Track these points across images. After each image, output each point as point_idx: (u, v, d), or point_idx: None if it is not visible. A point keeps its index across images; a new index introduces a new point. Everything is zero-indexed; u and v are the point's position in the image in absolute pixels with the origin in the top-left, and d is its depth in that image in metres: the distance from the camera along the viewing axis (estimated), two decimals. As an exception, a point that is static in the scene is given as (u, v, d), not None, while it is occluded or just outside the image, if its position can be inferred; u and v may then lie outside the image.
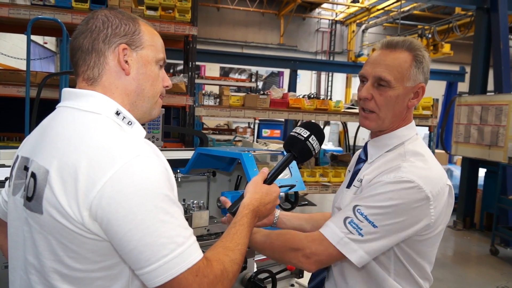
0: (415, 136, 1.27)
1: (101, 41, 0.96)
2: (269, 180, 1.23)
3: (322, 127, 5.68)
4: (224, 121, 12.81)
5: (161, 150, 2.37)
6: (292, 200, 2.30)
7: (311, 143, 1.23)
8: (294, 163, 2.07)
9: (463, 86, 11.18)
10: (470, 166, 6.41)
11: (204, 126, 11.38)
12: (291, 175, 2.01)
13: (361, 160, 1.34)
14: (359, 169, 1.32)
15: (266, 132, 12.73)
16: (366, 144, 1.34)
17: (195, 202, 1.80)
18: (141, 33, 0.99)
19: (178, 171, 2.15)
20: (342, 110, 4.51)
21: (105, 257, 0.87)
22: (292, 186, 1.94)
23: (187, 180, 2.35)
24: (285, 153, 1.32)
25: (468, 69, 11.06)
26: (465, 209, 6.47)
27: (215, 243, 0.98)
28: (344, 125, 5.87)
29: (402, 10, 12.65)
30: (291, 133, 1.26)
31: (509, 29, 5.91)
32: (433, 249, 1.24)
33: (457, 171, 7.44)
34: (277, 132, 12.78)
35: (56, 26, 3.20)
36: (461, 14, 10.07)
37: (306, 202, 2.34)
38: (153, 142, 1.84)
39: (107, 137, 0.87)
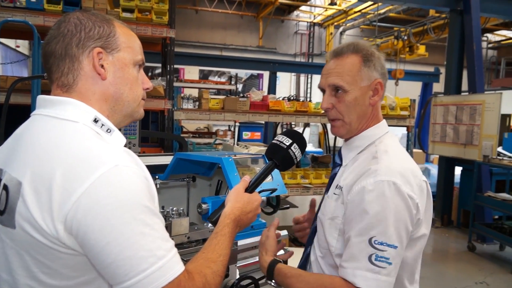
0: (386, 134, 1.28)
1: (74, 45, 0.91)
2: (250, 188, 1.21)
3: (302, 129, 5.66)
4: (204, 124, 12.71)
5: (139, 156, 2.32)
6: (274, 204, 2.29)
7: (293, 151, 1.22)
8: (275, 166, 2.07)
9: (438, 87, 11.45)
10: (446, 164, 6.55)
11: (184, 129, 11.29)
12: (272, 178, 1.99)
13: (337, 165, 1.35)
14: (335, 174, 1.33)
15: (246, 135, 12.71)
16: (340, 149, 1.36)
17: (174, 209, 1.75)
18: (116, 35, 0.95)
19: (157, 177, 2.10)
20: (322, 112, 4.52)
21: (82, 272, 0.83)
22: (273, 190, 1.92)
23: (166, 186, 2.29)
24: (265, 156, 1.28)
25: (442, 70, 11.35)
26: (442, 207, 6.60)
27: (196, 255, 0.95)
28: (324, 127, 5.91)
29: (378, 12, 12.87)
30: (273, 141, 1.26)
31: (481, 31, 6.08)
32: (420, 251, 1.24)
33: (434, 169, 7.60)
34: (257, 135, 12.78)
35: (28, 29, 3.10)
36: (435, 17, 10.32)
37: (288, 206, 2.32)
38: (129, 148, 1.79)
39: (84, 146, 0.83)
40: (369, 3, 12.45)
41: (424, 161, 9.19)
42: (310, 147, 13.41)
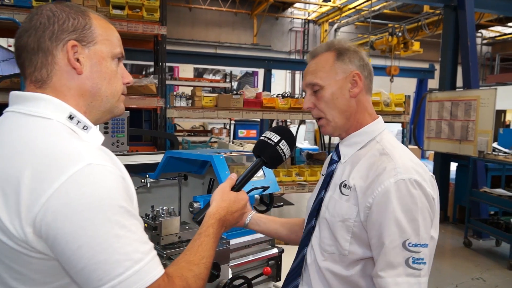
0: (384, 131, 1.26)
1: (48, 38, 0.86)
2: (237, 187, 1.18)
3: (297, 126, 5.61)
4: (200, 123, 12.66)
5: (129, 155, 2.27)
6: (268, 202, 2.25)
7: (281, 148, 1.20)
8: (267, 163, 2.03)
9: (433, 83, 11.46)
10: (442, 160, 6.54)
11: (179, 128, 11.24)
12: (264, 176, 1.96)
13: (334, 161, 1.31)
14: (333, 171, 1.29)
15: (242, 133, 12.67)
16: (337, 145, 1.33)
17: (164, 208, 1.71)
18: (92, 27, 0.90)
19: (147, 176, 2.06)
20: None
21: (54, 277, 0.78)
22: (265, 188, 1.89)
23: (157, 185, 2.25)
24: (253, 153, 1.25)
25: (437, 66, 11.35)
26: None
27: (178, 257, 0.91)
28: (319, 124, 5.88)
29: (372, 9, 12.85)
30: (261, 138, 1.23)
31: (476, 27, 6.06)
32: (437, 231, 1.20)
33: (430, 166, 7.59)
34: (253, 132, 12.75)
35: (17, 27, 3.03)
36: (430, 13, 10.32)
37: (282, 204, 2.28)
38: (117, 146, 1.75)
39: (55, 144, 0.78)
40: (363, -1, 12.43)
41: (420, 157, 9.19)
42: (305, 144, 13.40)
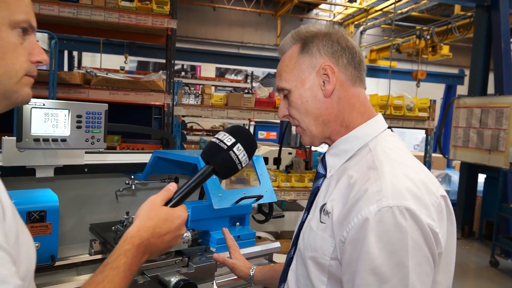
0: (383, 134, 0.97)
1: None
2: (174, 201, 0.91)
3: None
4: (219, 123, 12.57)
5: (115, 153, 2.08)
6: (267, 211, 2.03)
7: (235, 154, 0.95)
8: (263, 165, 1.80)
9: (462, 89, 10.95)
10: (469, 171, 6.13)
11: (198, 127, 11.16)
12: (259, 183, 1.74)
13: (320, 175, 1.04)
14: (318, 187, 1.02)
15: (262, 134, 12.50)
16: (323, 155, 1.05)
17: (142, 214, 1.51)
18: None
19: (132, 177, 1.87)
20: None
21: None
22: (259, 197, 1.67)
23: (145, 187, 2.06)
24: (201, 158, 0.99)
25: (467, 72, 10.86)
26: (463, 217, 6.19)
27: None
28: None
29: (400, 11, 12.42)
30: (212, 140, 0.98)
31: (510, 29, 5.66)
32: (448, 274, 0.92)
33: (455, 176, 7.18)
34: (273, 134, 12.57)
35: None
36: (460, 15, 9.82)
37: (283, 214, 2.06)
38: (92, 143, 1.56)
39: None
40: (391, 1, 12.02)
41: (445, 166, 8.74)
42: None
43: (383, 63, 12.67)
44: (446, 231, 0.86)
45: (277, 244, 1.92)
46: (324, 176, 1.01)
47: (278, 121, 11.02)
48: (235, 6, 14.36)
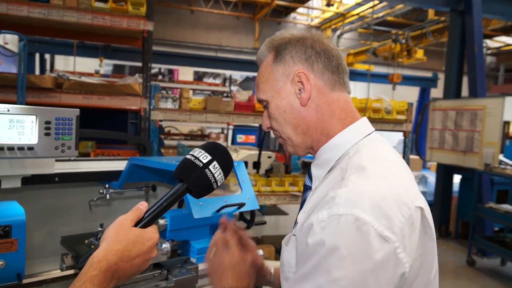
0: (365, 139, 0.91)
1: None
2: (144, 221, 0.85)
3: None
4: (198, 127, 12.46)
5: (88, 160, 1.98)
6: (249, 219, 1.97)
7: (211, 173, 0.89)
8: (244, 172, 1.74)
9: (435, 92, 11.21)
10: (445, 172, 6.24)
11: (176, 131, 11.02)
12: (241, 190, 1.68)
13: (307, 188, 0.99)
14: (305, 200, 0.97)
15: (240, 138, 12.46)
16: (309, 166, 1.00)
17: (116, 226, 1.43)
18: None
19: (107, 185, 1.78)
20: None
21: None
22: (241, 205, 1.61)
23: (121, 196, 1.97)
24: (175, 176, 0.92)
25: (440, 75, 11.14)
26: (440, 217, 6.29)
27: None
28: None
29: (376, 16, 12.63)
30: (186, 157, 0.92)
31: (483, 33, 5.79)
32: None
33: (431, 177, 7.30)
34: (252, 138, 12.55)
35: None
36: (434, 20, 10.07)
37: (265, 221, 2.01)
38: (62, 151, 1.47)
39: None
40: (367, 6, 12.22)
41: (421, 168, 8.90)
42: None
43: (360, 67, 12.86)
44: (420, 245, 0.79)
45: (259, 253, 1.87)
46: (311, 188, 0.97)
47: (257, 124, 11.01)
48: (213, 9, 14.29)
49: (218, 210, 1.49)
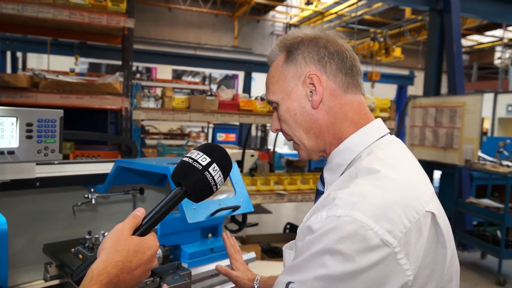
0: (379, 141, 0.88)
1: None
2: (143, 229, 0.80)
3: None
4: (177, 125, 12.30)
5: (71, 163, 1.89)
6: (240, 221, 1.92)
7: (211, 175, 0.84)
8: (237, 173, 1.69)
9: (412, 90, 11.43)
10: (426, 168, 6.26)
11: (155, 130, 10.83)
12: (235, 193, 1.63)
13: (320, 193, 0.96)
14: None
15: (221, 136, 12.39)
16: (322, 171, 0.97)
17: (106, 233, 1.35)
18: None
19: (92, 189, 1.69)
20: (298, 112, 4.20)
21: None
22: (235, 208, 1.56)
23: (106, 201, 1.88)
24: (171, 180, 0.88)
25: (416, 73, 11.36)
26: (421, 213, 6.39)
27: None
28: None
29: (354, 15, 12.76)
30: (184, 159, 0.87)
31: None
32: None
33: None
34: (232, 136, 12.50)
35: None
36: (412, 19, 10.25)
37: (257, 223, 1.96)
38: (45, 155, 1.37)
39: None
40: (345, 4, 12.33)
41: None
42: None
43: (339, 65, 12.95)
44: (430, 253, 0.75)
45: (252, 255, 1.82)
46: (323, 193, 0.93)
47: (237, 123, 10.94)
48: (191, 7, 14.11)
49: (213, 214, 1.44)
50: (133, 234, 0.78)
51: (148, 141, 9.56)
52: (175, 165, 1.37)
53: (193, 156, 0.85)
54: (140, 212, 0.81)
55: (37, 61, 11.75)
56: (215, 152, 0.87)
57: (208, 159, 0.85)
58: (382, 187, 0.75)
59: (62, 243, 1.64)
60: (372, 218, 0.70)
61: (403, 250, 0.70)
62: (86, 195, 1.63)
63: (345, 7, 12.64)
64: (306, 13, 14.37)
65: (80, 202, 1.68)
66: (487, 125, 11.61)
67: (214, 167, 0.85)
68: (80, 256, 1.33)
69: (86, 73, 10.88)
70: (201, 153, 0.85)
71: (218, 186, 0.87)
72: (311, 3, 13.07)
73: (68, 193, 1.78)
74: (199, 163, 0.84)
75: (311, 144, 0.92)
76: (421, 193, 0.78)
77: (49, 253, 1.57)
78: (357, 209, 0.71)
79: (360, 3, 11.52)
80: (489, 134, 10.91)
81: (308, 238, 0.74)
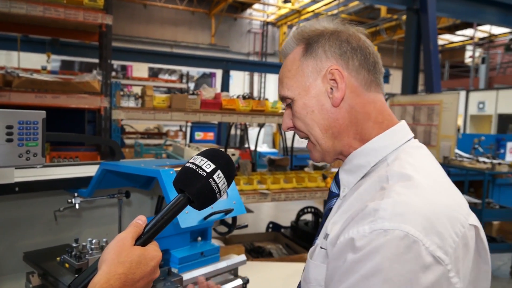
0: (405, 145, 0.82)
1: None
2: (144, 238, 0.76)
3: (258, 130, 5.20)
4: (154, 124, 12.10)
5: (51, 166, 1.80)
6: (230, 223, 1.88)
7: (215, 182, 0.80)
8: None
9: (387, 88, 11.64)
10: (403, 165, 6.44)
11: (131, 130, 10.61)
12: (227, 195, 1.58)
13: (333, 195, 0.89)
14: (331, 209, 0.88)
15: (199, 135, 12.28)
16: (337, 172, 0.91)
17: (94, 241, 1.28)
18: None
19: (76, 194, 1.61)
20: (280, 111, 4.18)
21: None
22: (228, 211, 1.52)
23: (90, 205, 1.80)
24: (174, 186, 0.85)
25: (392, 71, 11.57)
26: (399, 209, 6.51)
27: None
28: (280, 127, 5.59)
29: (330, 13, 12.87)
30: (187, 165, 0.82)
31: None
32: None
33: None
34: (210, 135, 12.41)
35: None
36: (387, 18, 10.43)
37: (247, 224, 1.92)
38: (27, 159, 1.30)
39: None
40: (322, 3, 12.42)
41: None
42: (264, 148, 13.16)
43: (316, 63, 13.06)
44: (474, 269, 0.71)
45: (242, 258, 1.79)
46: (338, 195, 0.88)
47: (216, 122, 10.85)
48: (167, 3, 13.90)
49: (206, 218, 1.39)
50: (135, 243, 0.74)
51: (125, 141, 9.36)
52: (168, 168, 1.31)
53: (196, 162, 0.81)
54: (141, 220, 0.77)
55: (6, 58, 11.29)
56: (220, 158, 0.82)
57: (213, 166, 0.81)
58: (425, 196, 0.68)
59: (43, 251, 1.55)
60: (423, 231, 0.63)
61: (454, 267, 0.64)
62: (69, 200, 1.56)
63: (322, 6, 12.74)
64: (283, 11, 14.41)
65: (63, 207, 1.60)
66: (459, 122, 11.98)
67: (219, 174, 0.80)
68: (67, 265, 1.25)
69: (58, 71, 10.52)
70: (205, 159, 0.81)
71: (222, 193, 0.82)
72: (289, 1, 13.11)
73: (49, 198, 1.69)
74: (204, 170, 0.80)
75: (328, 145, 0.85)
76: (461, 205, 0.73)
77: (30, 261, 1.48)
78: (406, 221, 0.63)
79: (335, 2, 11.63)
80: (461, 131, 11.25)
81: (352, 258, 0.65)
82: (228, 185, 0.85)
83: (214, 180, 0.80)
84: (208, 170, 0.80)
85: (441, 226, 0.65)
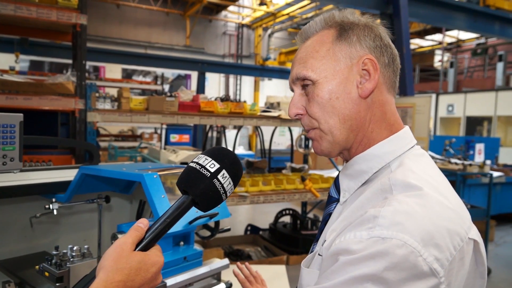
0: (409, 152, 0.80)
1: None
2: (145, 242, 0.72)
3: (236, 132, 5.19)
4: (128, 127, 11.87)
5: (26, 170, 1.74)
6: (213, 227, 1.86)
7: (220, 182, 0.76)
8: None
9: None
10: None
11: (105, 132, 10.37)
12: (211, 198, 1.57)
13: (333, 200, 0.86)
14: (330, 214, 0.85)
15: (174, 138, 12.12)
16: (337, 175, 0.87)
17: (75, 248, 1.24)
18: None
19: (54, 199, 1.56)
20: (258, 113, 4.19)
21: None
22: (213, 215, 1.50)
23: (69, 211, 1.75)
24: (178, 187, 0.81)
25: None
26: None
27: None
28: (257, 129, 5.60)
29: (305, 16, 13.03)
30: (191, 164, 0.78)
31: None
32: None
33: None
34: (186, 137, 12.27)
35: None
36: (360, 22, 10.66)
37: (229, 228, 1.91)
38: (4, 164, 1.25)
39: None
40: (297, 6, 12.55)
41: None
42: (241, 150, 13.14)
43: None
44: (468, 283, 0.70)
45: (225, 262, 1.77)
46: (337, 200, 0.85)
47: (192, 124, 10.76)
48: (141, 4, 13.68)
49: (191, 222, 1.37)
50: (136, 248, 0.71)
51: (99, 143, 9.14)
52: (152, 172, 1.29)
53: (200, 162, 0.77)
54: (143, 224, 0.73)
55: (-29, 58, 10.82)
56: (225, 157, 0.79)
57: (217, 165, 0.77)
58: (428, 207, 0.66)
59: (19, 259, 1.49)
60: (421, 242, 0.62)
61: (446, 280, 0.63)
62: (47, 206, 1.50)
63: (297, 9, 12.87)
64: (258, 14, 14.47)
65: (39, 213, 1.54)
66: (430, 124, 12.35)
67: (224, 173, 0.77)
68: (47, 274, 1.21)
69: (27, 72, 10.17)
70: (209, 158, 0.77)
71: (228, 194, 0.79)
72: (264, 4, 13.18)
73: (24, 204, 1.62)
74: (207, 170, 0.76)
75: (341, 137, 0.80)
76: (463, 217, 0.71)
77: (5, 270, 1.42)
78: (405, 231, 0.62)
79: (309, 6, 11.78)
80: (432, 133, 11.60)
81: (345, 259, 0.63)
82: (235, 185, 0.81)
83: (218, 180, 0.76)
84: (212, 170, 0.76)
85: (440, 239, 0.64)
